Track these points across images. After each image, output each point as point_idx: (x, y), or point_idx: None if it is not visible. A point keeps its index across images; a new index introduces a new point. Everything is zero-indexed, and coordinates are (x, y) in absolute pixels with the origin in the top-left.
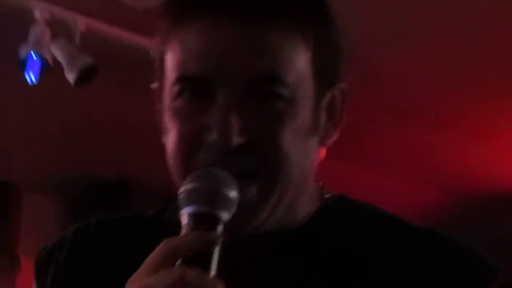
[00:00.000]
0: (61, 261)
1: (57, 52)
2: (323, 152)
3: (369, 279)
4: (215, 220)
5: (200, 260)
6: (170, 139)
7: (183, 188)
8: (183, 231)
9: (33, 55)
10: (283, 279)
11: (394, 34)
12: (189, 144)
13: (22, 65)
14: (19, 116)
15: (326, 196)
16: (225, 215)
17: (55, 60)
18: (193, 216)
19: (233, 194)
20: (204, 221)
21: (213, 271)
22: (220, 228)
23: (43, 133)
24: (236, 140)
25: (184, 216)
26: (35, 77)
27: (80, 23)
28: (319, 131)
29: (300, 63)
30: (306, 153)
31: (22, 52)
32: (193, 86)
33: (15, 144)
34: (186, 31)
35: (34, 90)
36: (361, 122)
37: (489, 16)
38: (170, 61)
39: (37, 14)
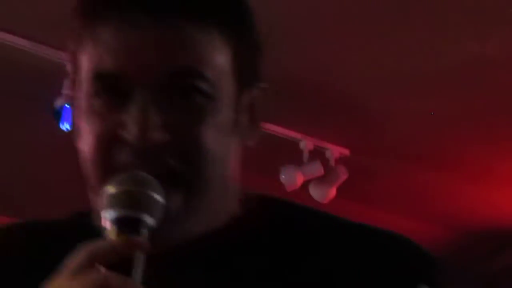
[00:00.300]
0: None
1: None
2: (333, 192)
3: (298, 277)
4: (140, 225)
5: (124, 266)
6: (86, 140)
7: (106, 191)
8: (106, 235)
9: (67, 106)
10: (212, 285)
11: (396, 82)
12: (106, 143)
13: (57, 116)
14: (55, 162)
15: (247, 195)
16: (150, 220)
17: None
18: (117, 221)
19: (158, 197)
20: (128, 225)
21: (137, 278)
22: (145, 233)
23: (78, 178)
24: (156, 136)
25: (107, 221)
26: (69, 126)
27: None
28: (239, 131)
29: (220, 60)
30: (228, 152)
31: (57, 104)
32: (110, 84)
33: (49, 189)
34: (101, 30)
35: (68, 138)
36: (366, 165)
37: (489, 65)
38: (85, 61)
39: (70, 68)
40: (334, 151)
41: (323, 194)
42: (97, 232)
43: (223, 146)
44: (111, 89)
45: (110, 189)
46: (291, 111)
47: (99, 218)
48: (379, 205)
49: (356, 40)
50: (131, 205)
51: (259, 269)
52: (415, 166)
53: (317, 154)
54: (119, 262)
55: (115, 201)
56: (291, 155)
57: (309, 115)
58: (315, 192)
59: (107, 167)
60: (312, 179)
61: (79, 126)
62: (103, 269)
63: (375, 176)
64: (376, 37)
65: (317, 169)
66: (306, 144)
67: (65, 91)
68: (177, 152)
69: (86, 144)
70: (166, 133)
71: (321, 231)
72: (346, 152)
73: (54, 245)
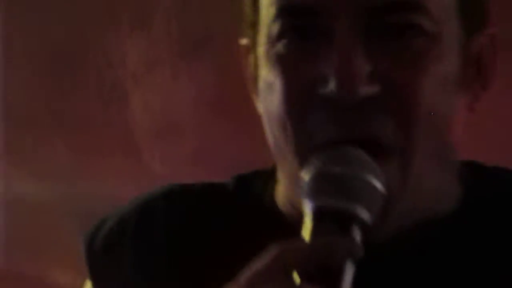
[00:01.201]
0: (128, 254)
1: None
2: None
3: None
4: (352, 221)
5: (326, 276)
6: (271, 99)
7: (307, 172)
8: (305, 232)
9: None
10: None
11: None
12: (300, 103)
13: None
14: None
15: (465, 168)
16: (365, 214)
17: None
18: (319, 214)
19: (379, 184)
20: (334, 221)
21: None
22: (357, 233)
23: None
24: (364, 88)
25: (307, 212)
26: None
27: None
28: (464, 87)
29: None
30: (449, 112)
31: None
32: (298, 22)
33: None
34: None
35: None
36: None
37: None
38: None
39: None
40: None
41: None
42: (274, 212)
43: (444, 104)
44: (301, 28)
45: (312, 168)
46: None
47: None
48: None
49: None
50: (340, 193)
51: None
52: None
53: None
54: (319, 271)
55: (317, 187)
56: None
57: None
58: None
59: (301, 134)
60: None
61: (259, 79)
62: (297, 279)
63: None
64: None
65: None
66: None
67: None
68: (389, 111)
69: (270, 103)
70: (377, 84)
71: None
72: None
73: (218, 220)
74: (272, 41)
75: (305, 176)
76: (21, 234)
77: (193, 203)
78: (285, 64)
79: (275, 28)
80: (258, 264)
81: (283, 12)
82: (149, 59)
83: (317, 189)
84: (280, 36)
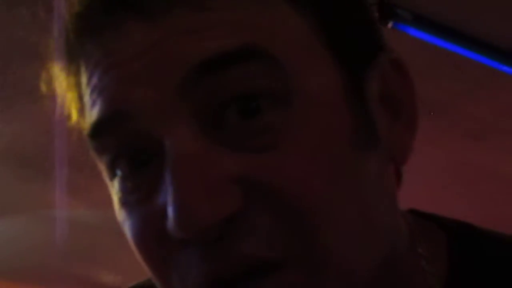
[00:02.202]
0: None
1: None
2: None
3: None
4: None
5: None
6: (128, 235)
7: None
8: None
9: None
10: None
11: None
12: (151, 247)
13: None
14: None
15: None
16: None
17: None
18: None
19: None
20: None
21: None
22: None
23: None
24: (208, 215)
25: None
26: None
27: None
28: (378, 139)
29: (286, 29)
30: (366, 188)
31: None
32: (117, 145)
33: None
34: (84, 70)
35: None
36: None
37: None
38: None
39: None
40: None
41: None
42: None
43: (351, 184)
44: (125, 152)
45: None
46: None
47: None
48: None
49: None
50: None
51: None
52: None
53: None
54: None
55: None
56: None
57: None
58: None
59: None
60: None
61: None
62: None
63: None
64: None
65: None
66: None
67: None
68: (261, 232)
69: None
70: (234, 198)
71: None
72: None
73: None
74: (108, 174)
75: None
76: (79, 246)
77: None
78: (126, 205)
79: (105, 158)
80: None
81: (94, 136)
82: None
83: None
84: (112, 173)
